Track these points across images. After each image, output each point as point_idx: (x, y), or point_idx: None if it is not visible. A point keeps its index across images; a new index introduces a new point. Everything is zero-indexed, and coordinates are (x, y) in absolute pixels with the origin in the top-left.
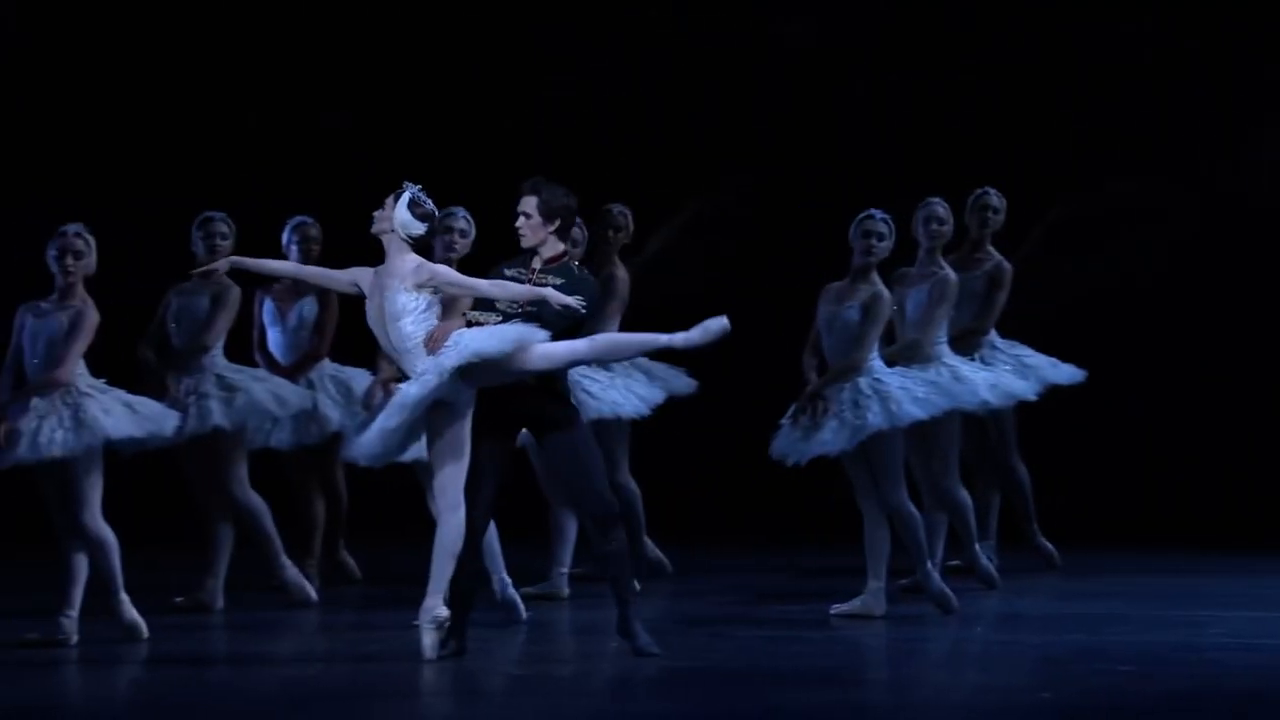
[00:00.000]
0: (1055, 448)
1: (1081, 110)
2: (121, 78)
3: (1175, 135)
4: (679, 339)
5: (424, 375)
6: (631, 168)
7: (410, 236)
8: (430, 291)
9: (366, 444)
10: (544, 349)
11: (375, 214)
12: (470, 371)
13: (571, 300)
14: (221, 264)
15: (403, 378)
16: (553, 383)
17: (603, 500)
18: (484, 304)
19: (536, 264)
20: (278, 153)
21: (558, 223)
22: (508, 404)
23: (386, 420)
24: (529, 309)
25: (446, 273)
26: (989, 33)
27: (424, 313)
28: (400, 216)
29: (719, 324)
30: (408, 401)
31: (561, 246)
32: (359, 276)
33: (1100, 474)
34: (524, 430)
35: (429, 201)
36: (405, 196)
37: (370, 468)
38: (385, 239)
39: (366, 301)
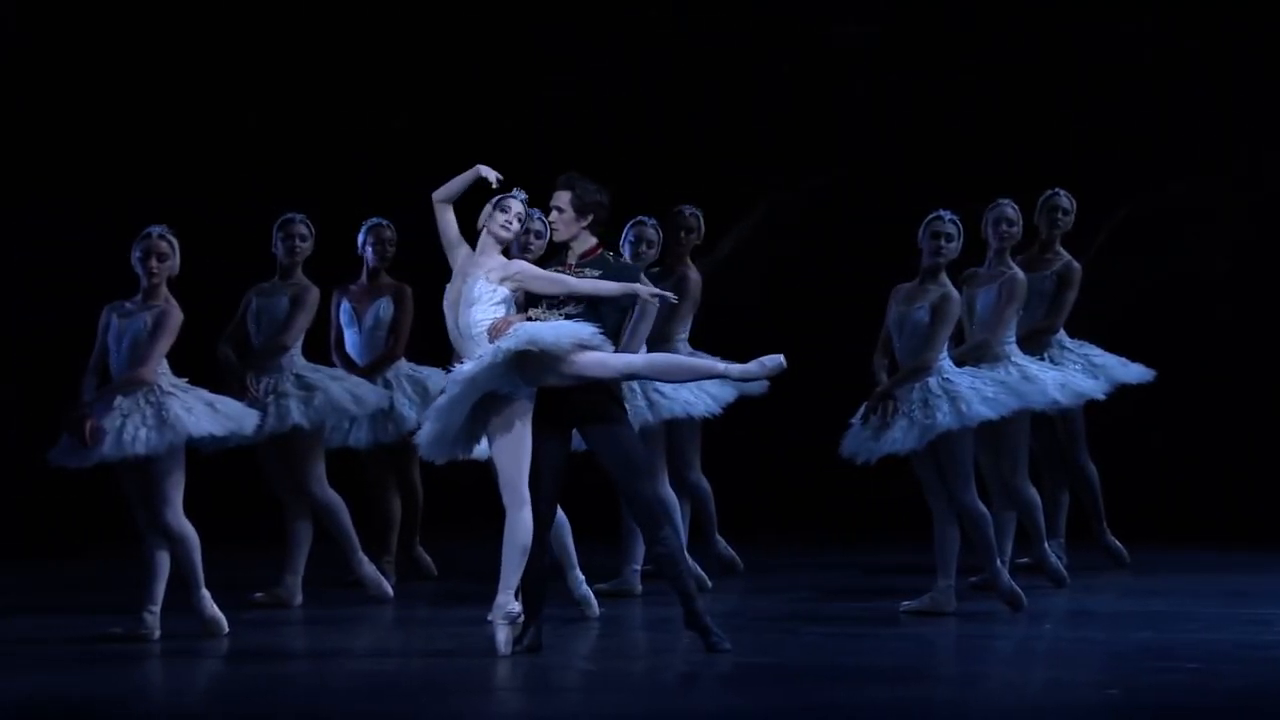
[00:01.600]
0: (1124, 446)
1: (1143, 111)
2: (183, 80)
3: (1228, 135)
4: (735, 370)
5: (480, 356)
6: (696, 170)
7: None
8: (512, 287)
9: (424, 430)
10: (601, 357)
11: (513, 207)
12: (525, 363)
13: (665, 293)
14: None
15: None
16: (604, 384)
17: (647, 504)
18: (534, 299)
19: (571, 259)
20: (345, 154)
21: (590, 217)
22: (560, 399)
23: (441, 399)
24: (576, 310)
25: (533, 269)
26: (1055, 36)
27: (496, 304)
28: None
29: (775, 361)
30: (459, 377)
31: (594, 241)
32: (460, 250)
33: (1169, 472)
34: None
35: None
36: (521, 200)
37: (443, 463)
38: (482, 228)
39: (449, 283)
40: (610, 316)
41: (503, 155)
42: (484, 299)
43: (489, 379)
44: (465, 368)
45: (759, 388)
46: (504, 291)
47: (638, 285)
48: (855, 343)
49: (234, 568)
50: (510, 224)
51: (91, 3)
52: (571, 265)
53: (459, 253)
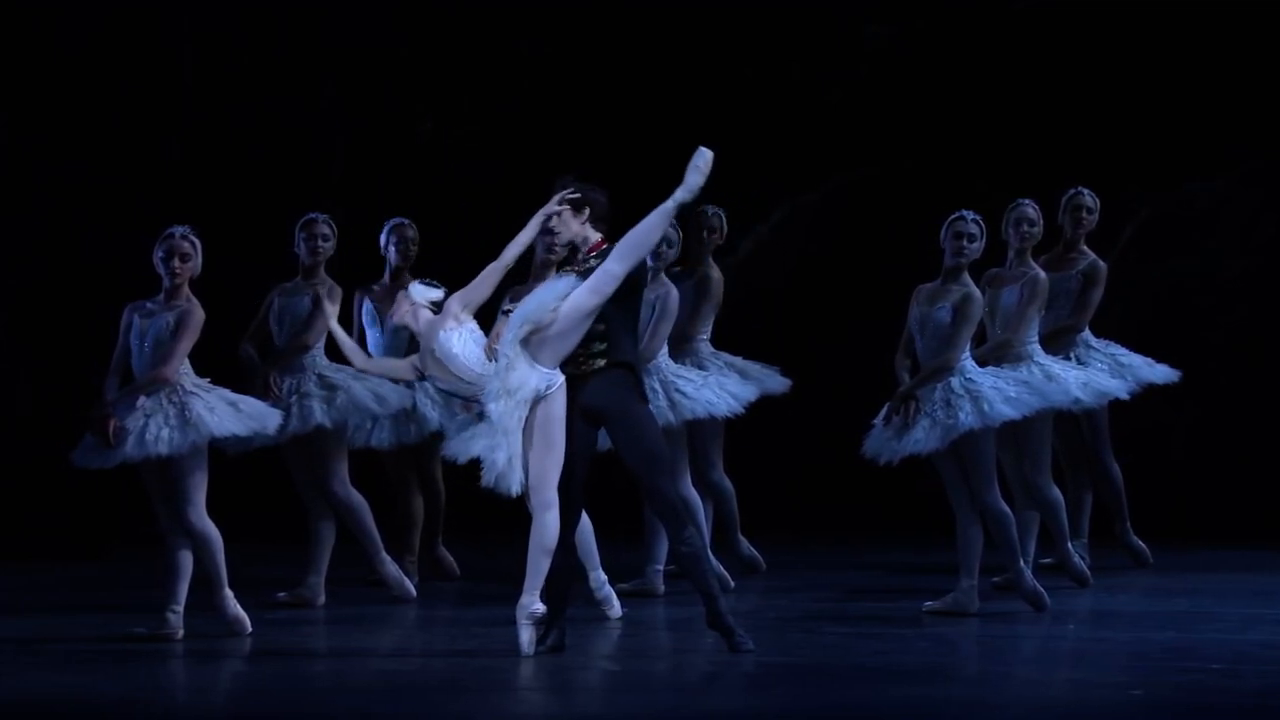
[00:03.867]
0: (1149, 445)
1: (1164, 109)
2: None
3: (1249, 132)
4: (680, 194)
5: (494, 369)
6: (717, 170)
7: (433, 302)
8: (468, 314)
9: (490, 461)
10: (578, 293)
11: (395, 314)
12: (534, 348)
13: (568, 193)
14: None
15: None
16: (627, 378)
17: (670, 502)
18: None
19: (580, 256)
20: (369, 154)
21: (587, 211)
22: (584, 396)
23: (483, 422)
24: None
25: (466, 291)
26: (1075, 35)
27: (469, 339)
28: (416, 293)
29: (703, 156)
30: (489, 395)
31: (598, 236)
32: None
33: (1193, 472)
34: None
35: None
36: (412, 286)
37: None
38: (413, 326)
39: (427, 372)
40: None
41: (521, 156)
42: (457, 344)
43: (519, 381)
44: (490, 385)
45: (781, 386)
46: (467, 325)
47: (545, 206)
48: (877, 343)
49: (257, 567)
50: (398, 315)
51: (114, 1)
52: (580, 261)
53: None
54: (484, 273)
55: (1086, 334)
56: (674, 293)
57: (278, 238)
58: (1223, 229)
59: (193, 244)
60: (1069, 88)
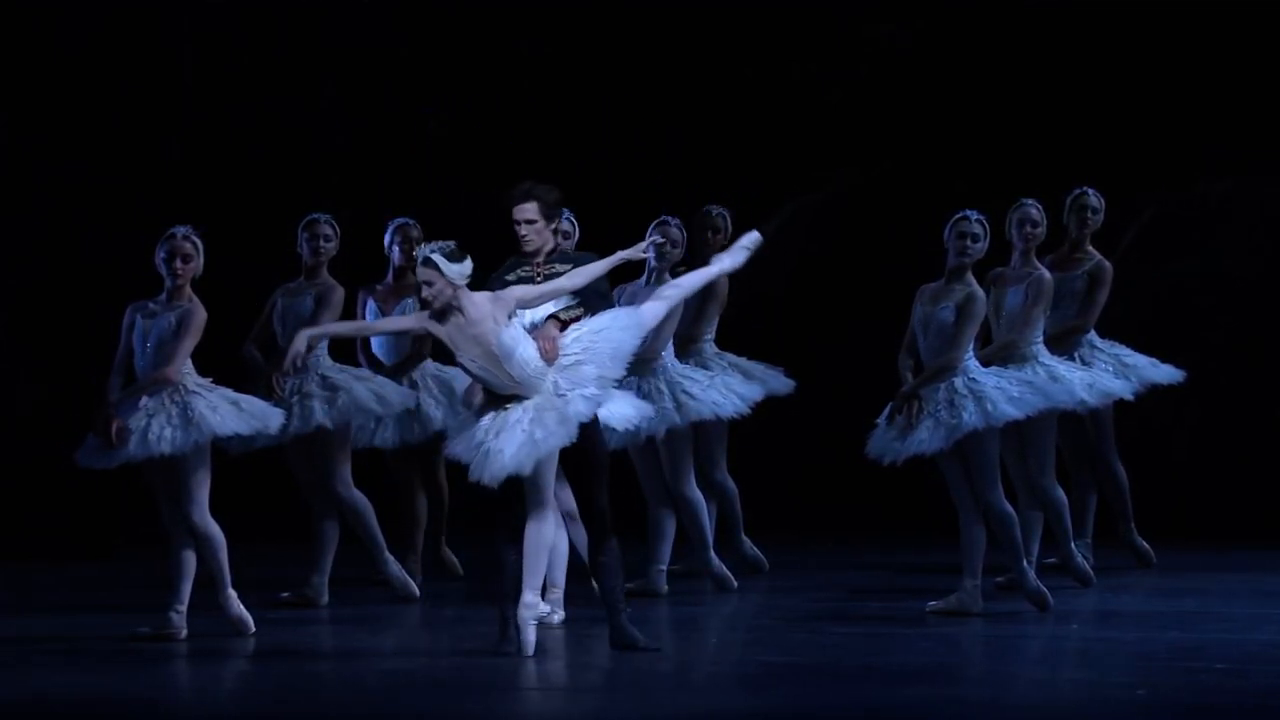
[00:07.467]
0: (1154, 446)
1: (1169, 108)
2: (212, 82)
3: (1255, 132)
4: (726, 267)
5: (592, 395)
6: (725, 169)
7: (468, 277)
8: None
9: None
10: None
11: (425, 296)
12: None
13: (652, 240)
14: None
15: None
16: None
17: (602, 512)
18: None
19: (540, 258)
20: (372, 154)
21: (556, 220)
22: None
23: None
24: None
25: (523, 290)
26: (1082, 30)
27: (525, 334)
28: (451, 271)
29: (751, 238)
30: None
31: (554, 241)
32: (425, 322)
33: (1196, 472)
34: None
35: (447, 243)
36: (435, 257)
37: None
38: (449, 300)
39: (457, 354)
40: (597, 306)
41: (528, 157)
42: (518, 339)
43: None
44: (582, 409)
45: (785, 386)
46: (519, 321)
47: (623, 254)
48: (878, 343)
49: (260, 567)
50: (435, 297)
51: (114, 1)
52: (539, 264)
53: (425, 325)
54: (558, 281)
55: (1091, 334)
56: None
57: (279, 238)
58: (1223, 229)
59: (194, 244)
60: (1072, 87)
